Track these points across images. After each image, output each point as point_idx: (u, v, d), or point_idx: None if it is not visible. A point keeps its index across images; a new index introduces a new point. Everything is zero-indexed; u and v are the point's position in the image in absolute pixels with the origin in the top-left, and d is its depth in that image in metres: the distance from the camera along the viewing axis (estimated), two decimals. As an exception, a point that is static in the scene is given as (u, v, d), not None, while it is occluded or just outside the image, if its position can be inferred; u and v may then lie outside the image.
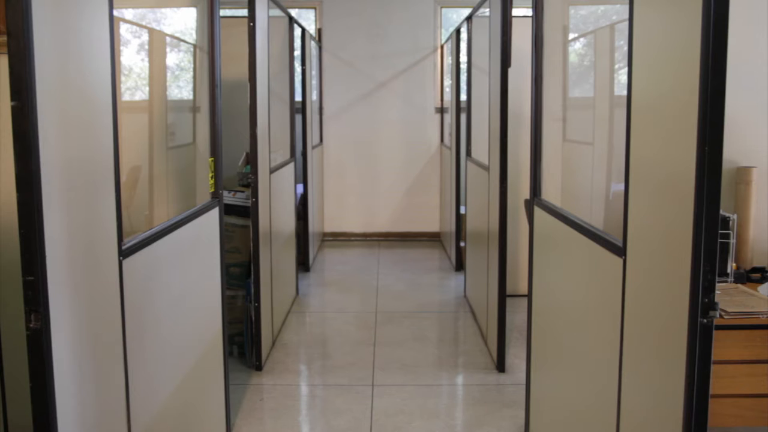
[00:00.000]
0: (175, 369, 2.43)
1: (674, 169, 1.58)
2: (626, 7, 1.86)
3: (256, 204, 3.83)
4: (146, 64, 3.44)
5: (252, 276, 3.89)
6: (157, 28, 3.61)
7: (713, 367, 1.50)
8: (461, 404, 3.62)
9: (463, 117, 5.61)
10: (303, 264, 6.17)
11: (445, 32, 7.40)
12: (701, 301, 1.46)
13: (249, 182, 3.93)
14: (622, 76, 2.83)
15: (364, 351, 4.32)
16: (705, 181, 1.43)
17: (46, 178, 1.47)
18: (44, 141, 1.46)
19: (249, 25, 3.74)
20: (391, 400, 3.60)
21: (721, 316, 2.11)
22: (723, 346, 2.03)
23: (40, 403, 1.49)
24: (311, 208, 6.40)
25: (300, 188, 6.06)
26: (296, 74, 5.64)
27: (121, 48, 3.08)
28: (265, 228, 4.08)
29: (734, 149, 2.71)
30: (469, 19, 5.17)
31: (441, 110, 7.34)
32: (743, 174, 2.73)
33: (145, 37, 3.45)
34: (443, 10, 7.52)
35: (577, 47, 3.97)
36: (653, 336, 1.73)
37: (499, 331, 3.93)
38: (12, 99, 1.40)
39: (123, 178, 1.96)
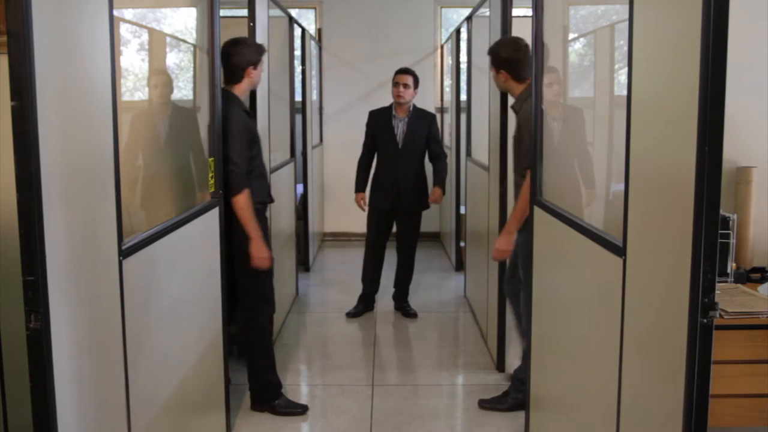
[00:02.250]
0: (175, 369, 2.43)
1: (674, 169, 1.58)
2: (626, 7, 1.86)
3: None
4: (146, 64, 3.44)
5: (252, 276, 3.88)
6: (157, 28, 3.61)
7: (713, 367, 1.50)
8: (461, 404, 3.62)
9: (463, 117, 5.61)
10: (303, 264, 6.17)
11: (445, 32, 7.40)
12: (701, 301, 1.46)
13: (249, 182, 3.91)
14: (622, 76, 2.83)
15: (364, 351, 4.32)
16: (705, 181, 1.43)
17: (46, 178, 1.47)
18: (44, 141, 1.46)
19: (249, 25, 3.74)
20: (391, 400, 3.60)
21: (721, 316, 2.11)
22: (723, 346, 2.03)
23: (40, 403, 1.49)
24: (311, 208, 6.39)
25: (300, 188, 6.06)
26: (296, 74, 5.63)
27: (121, 48, 3.08)
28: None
29: (734, 149, 2.71)
30: (469, 19, 5.16)
31: (441, 110, 7.34)
32: (743, 174, 2.73)
33: (145, 37, 3.45)
34: (443, 10, 7.52)
35: (577, 47, 3.97)
36: (653, 336, 1.72)
37: (499, 331, 3.93)
38: (12, 99, 1.40)
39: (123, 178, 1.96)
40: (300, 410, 3.43)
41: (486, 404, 3.46)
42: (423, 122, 4.82)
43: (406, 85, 4.71)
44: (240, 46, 3.25)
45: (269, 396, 3.42)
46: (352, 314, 4.97)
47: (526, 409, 3.12)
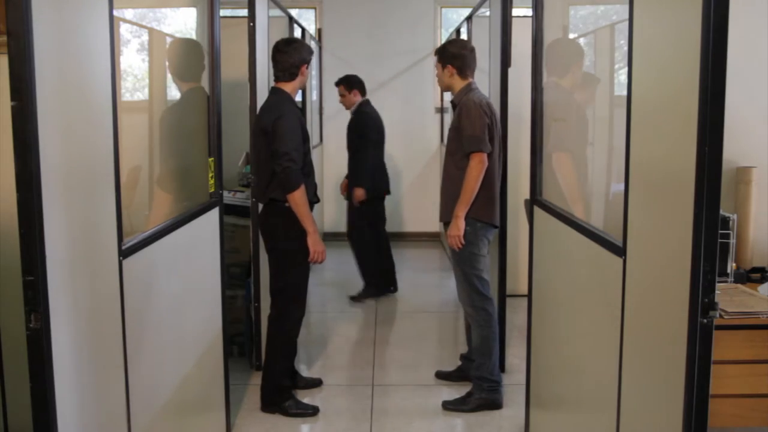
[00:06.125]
0: (175, 369, 2.43)
1: (674, 169, 1.58)
2: (626, 7, 1.86)
3: (256, 204, 3.83)
4: (146, 64, 3.44)
5: (252, 276, 3.88)
6: (157, 28, 3.61)
7: (713, 367, 1.50)
8: (461, 404, 3.62)
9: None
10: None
11: (445, 32, 7.39)
12: (701, 301, 1.46)
13: (249, 182, 3.92)
14: (622, 76, 2.83)
15: (364, 351, 4.32)
16: (705, 181, 1.43)
17: (46, 178, 1.47)
18: (44, 141, 1.46)
19: (249, 25, 3.74)
20: (391, 400, 3.60)
21: (721, 316, 2.11)
22: (723, 346, 2.03)
23: (40, 403, 1.49)
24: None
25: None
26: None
27: (122, 48, 3.08)
28: (265, 228, 4.07)
29: (734, 149, 2.71)
30: (469, 19, 5.17)
31: (441, 110, 7.34)
32: (743, 174, 2.72)
33: (145, 37, 3.45)
34: (443, 10, 7.52)
35: (577, 47, 3.96)
36: (653, 336, 1.73)
37: (500, 331, 3.92)
38: (12, 99, 1.40)
39: (123, 179, 1.96)
40: (311, 412, 3.43)
41: (450, 406, 3.48)
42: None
43: (341, 95, 5.28)
44: (294, 44, 3.34)
45: (280, 398, 3.42)
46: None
47: (526, 409, 3.12)
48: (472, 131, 3.23)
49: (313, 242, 3.25)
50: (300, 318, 3.44)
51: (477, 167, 3.24)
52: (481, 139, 3.24)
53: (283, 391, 3.43)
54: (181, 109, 3.16)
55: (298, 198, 3.16)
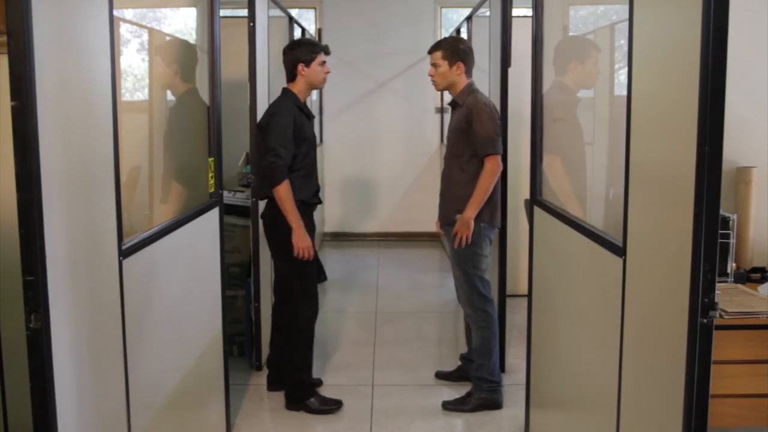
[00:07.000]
0: (175, 369, 2.43)
1: (674, 169, 1.58)
2: (626, 7, 1.86)
3: (256, 204, 3.83)
4: (146, 64, 3.44)
5: (252, 276, 3.88)
6: (157, 27, 3.61)
7: (713, 367, 1.50)
8: (461, 404, 3.62)
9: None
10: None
11: (445, 32, 7.39)
12: (701, 301, 1.46)
13: (249, 182, 3.92)
14: (622, 76, 2.83)
15: (364, 351, 4.32)
16: (705, 181, 1.43)
17: (46, 178, 1.47)
18: (44, 141, 1.46)
19: (249, 25, 3.74)
20: (391, 400, 3.60)
21: (721, 316, 2.11)
22: (723, 346, 2.03)
23: (40, 403, 1.49)
24: (311, 208, 6.39)
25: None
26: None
27: (122, 48, 3.08)
28: (265, 228, 4.07)
29: (734, 149, 2.71)
30: (469, 19, 5.17)
31: (441, 110, 7.34)
32: (743, 174, 2.72)
33: (145, 37, 3.45)
34: (443, 10, 7.52)
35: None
36: (653, 336, 1.73)
37: (500, 331, 3.92)
38: (12, 99, 1.40)
39: (123, 179, 1.96)
40: (336, 407, 3.44)
41: (450, 406, 3.48)
42: None
43: None
44: (293, 45, 3.45)
45: (301, 395, 3.42)
46: None
47: (526, 409, 3.12)
48: (486, 133, 3.22)
49: (297, 237, 3.23)
50: (311, 314, 3.45)
51: (494, 170, 3.24)
52: (496, 141, 3.24)
53: (305, 387, 3.44)
54: (181, 110, 3.16)
55: (282, 193, 3.18)
